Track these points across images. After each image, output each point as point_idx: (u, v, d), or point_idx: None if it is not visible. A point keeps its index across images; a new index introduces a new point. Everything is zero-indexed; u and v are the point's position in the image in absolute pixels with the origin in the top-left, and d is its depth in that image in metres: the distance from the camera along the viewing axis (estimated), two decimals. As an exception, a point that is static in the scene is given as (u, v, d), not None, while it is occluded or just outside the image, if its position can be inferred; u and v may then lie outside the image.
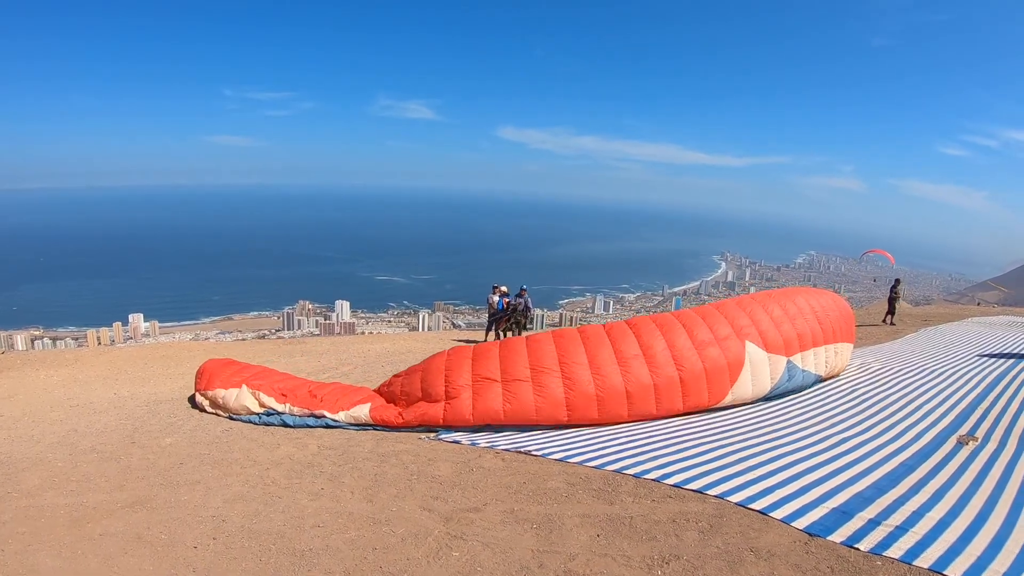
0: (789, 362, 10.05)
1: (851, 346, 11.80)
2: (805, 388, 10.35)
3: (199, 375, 11.06)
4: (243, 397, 10.01)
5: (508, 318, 19.47)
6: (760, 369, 9.74)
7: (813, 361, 10.50)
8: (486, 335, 20.58)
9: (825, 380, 10.95)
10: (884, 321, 22.93)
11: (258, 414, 9.80)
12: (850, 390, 10.15)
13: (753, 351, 9.70)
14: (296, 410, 9.63)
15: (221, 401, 10.19)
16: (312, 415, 9.47)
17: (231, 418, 9.84)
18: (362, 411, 9.27)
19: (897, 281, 23.77)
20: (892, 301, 23.28)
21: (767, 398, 9.79)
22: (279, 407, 9.76)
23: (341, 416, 9.28)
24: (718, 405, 9.32)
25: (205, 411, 10.31)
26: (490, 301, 19.87)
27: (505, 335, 19.73)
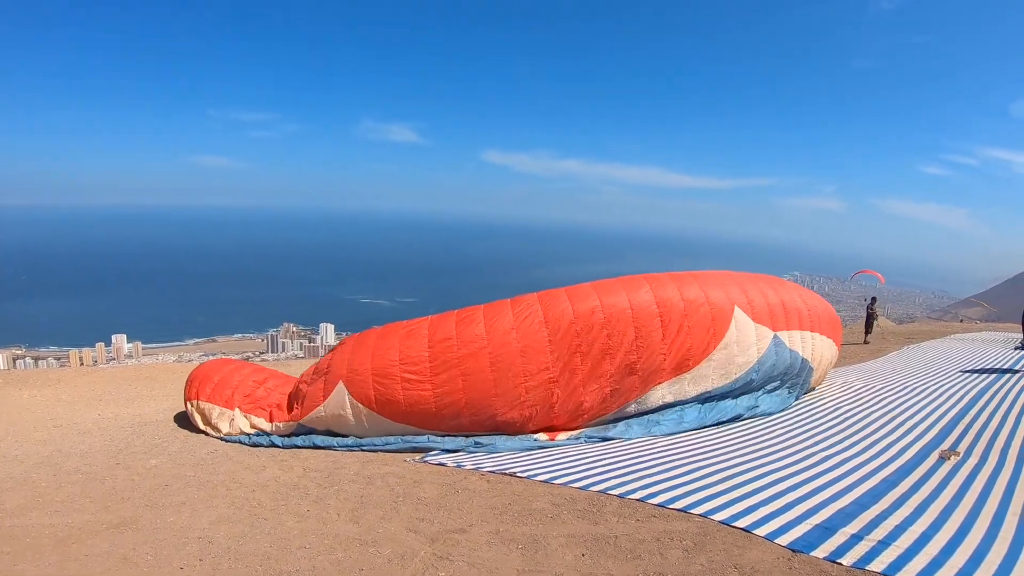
0: (776, 336, 10.16)
1: (835, 347, 11.91)
2: (792, 373, 10.45)
3: (190, 382, 11.00)
4: (239, 421, 10.05)
5: None
6: (746, 334, 9.86)
7: (800, 343, 10.58)
8: None
9: (813, 370, 11.05)
10: (865, 341, 23.11)
11: (248, 435, 9.80)
12: (833, 408, 10.23)
13: (740, 316, 9.84)
14: (282, 427, 9.69)
15: (214, 421, 10.16)
16: (296, 430, 9.58)
17: (221, 438, 9.80)
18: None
19: (873, 299, 24.07)
20: (869, 319, 23.53)
21: (754, 397, 10.00)
22: (267, 427, 9.77)
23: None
24: (704, 360, 9.48)
25: (197, 427, 10.24)
26: None
27: None
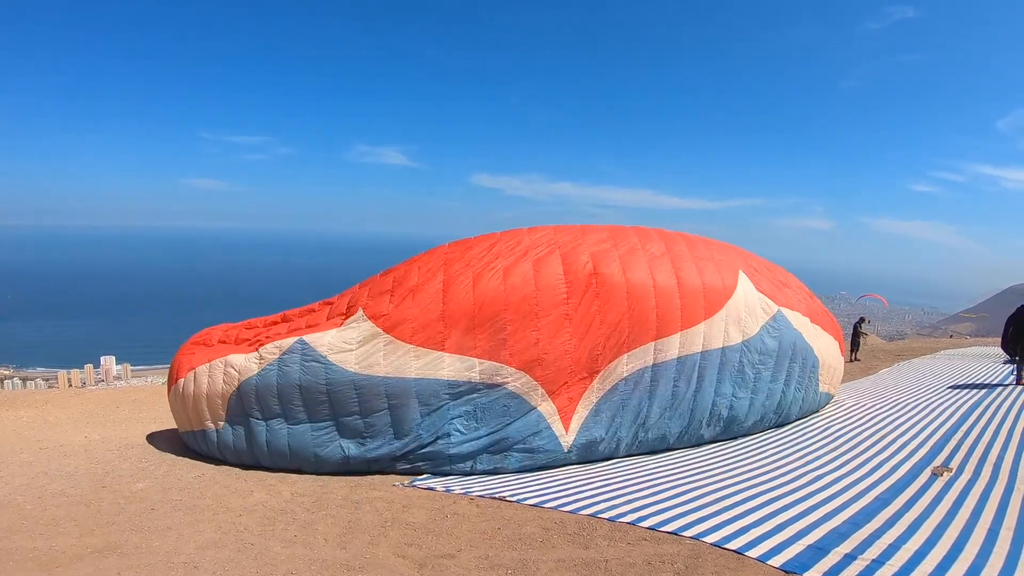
0: (780, 311, 10.08)
1: (838, 350, 11.84)
2: (799, 359, 10.42)
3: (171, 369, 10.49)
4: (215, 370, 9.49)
5: None
6: (752, 301, 9.86)
7: (803, 325, 10.51)
8: None
9: (820, 364, 10.93)
10: (851, 359, 23.34)
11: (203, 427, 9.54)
12: (824, 426, 10.22)
13: (745, 282, 9.92)
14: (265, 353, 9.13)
15: (193, 392, 9.65)
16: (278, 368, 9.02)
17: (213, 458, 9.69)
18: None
19: (861, 319, 24.56)
20: (855, 337, 23.92)
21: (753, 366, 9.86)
22: (246, 364, 9.24)
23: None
24: (714, 316, 9.49)
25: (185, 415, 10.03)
26: None
27: None
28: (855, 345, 23.93)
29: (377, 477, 8.76)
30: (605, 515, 6.32)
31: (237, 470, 9.41)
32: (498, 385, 8.65)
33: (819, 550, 5.09)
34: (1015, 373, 13.86)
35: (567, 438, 8.79)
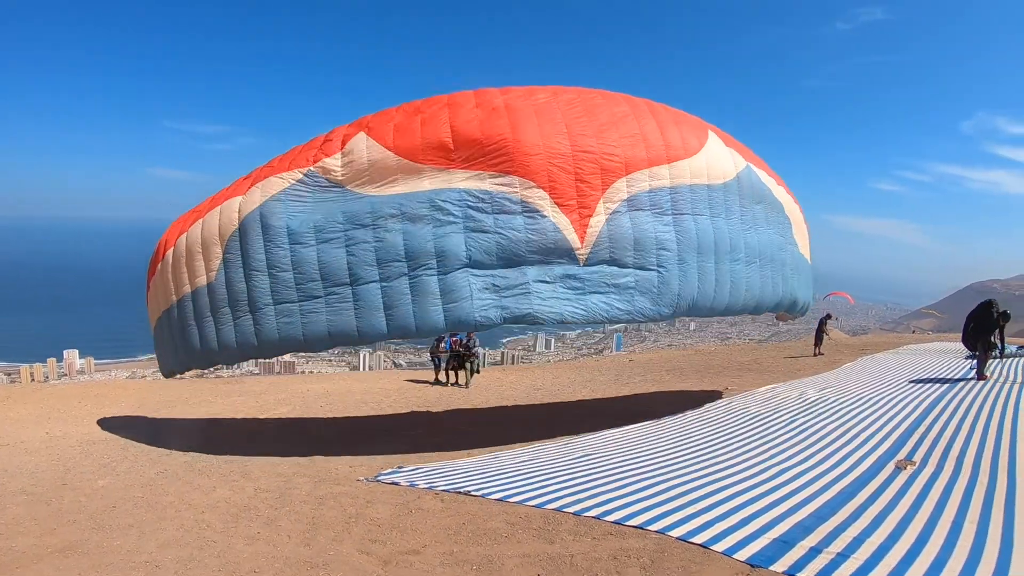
0: (749, 166, 10.91)
1: (800, 215, 12.67)
2: (770, 208, 11.41)
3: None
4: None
5: (457, 357, 19.71)
6: (723, 153, 10.72)
7: (771, 184, 11.41)
8: (436, 374, 20.73)
9: (791, 225, 11.96)
10: (815, 354, 23.93)
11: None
12: (789, 420, 10.29)
13: (715, 138, 10.73)
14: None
15: (185, 249, 9.74)
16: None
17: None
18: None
19: (828, 316, 25.33)
20: (820, 333, 24.69)
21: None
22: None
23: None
24: (694, 156, 10.21)
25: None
26: (435, 344, 20.26)
27: (457, 374, 19.91)
28: (819, 340, 24.61)
29: (341, 472, 8.69)
30: (570, 509, 6.26)
31: (200, 465, 9.30)
32: (511, 196, 9.08)
33: (784, 543, 5.08)
34: (975, 368, 14.14)
35: (582, 250, 9.27)
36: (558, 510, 6.30)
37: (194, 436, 11.82)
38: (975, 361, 14.53)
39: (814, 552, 4.89)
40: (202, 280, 9.54)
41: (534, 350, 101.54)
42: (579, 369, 25.05)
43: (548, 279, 9.18)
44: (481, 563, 5.23)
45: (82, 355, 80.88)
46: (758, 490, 6.61)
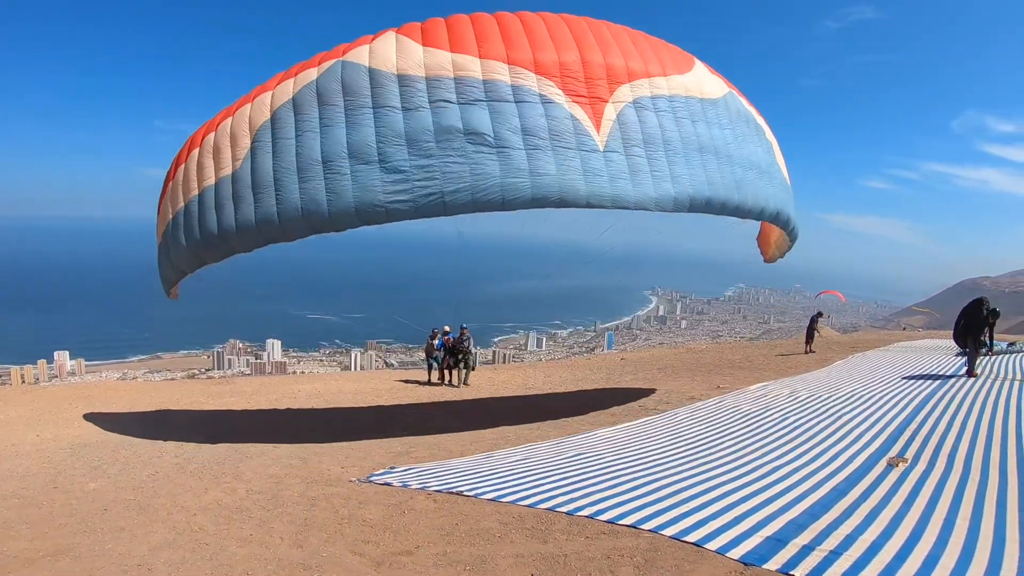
0: (732, 91, 11.88)
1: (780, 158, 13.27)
2: (758, 130, 12.20)
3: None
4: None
5: (451, 356, 19.73)
6: (710, 77, 11.57)
7: (752, 111, 12.31)
8: (429, 374, 20.75)
9: (773, 145, 12.63)
10: (806, 351, 24.06)
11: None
12: (781, 418, 10.32)
13: (700, 65, 11.58)
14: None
15: (214, 142, 9.95)
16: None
17: None
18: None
19: (819, 314, 25.52)
20: (811, 331, 24.85)
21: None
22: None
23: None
24: (687, 72, 11.07)
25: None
26: (429, 343, 20.31)
27: (450, 374, 19.93)
28: (810, 337, 24.74)
29: (333, 473, 8.65)
30: (563, 509, 6.26)
31: (192, 467, 9.25)
32: (530, 88, 9.57)
33: (777, 541, 5.09)
34: (966, 365, 14.22)
35: (600, 138, 9.78)
36: (551, 510, 6.29)
37: (186, 434, 11.79)
38: (965, 358, 14.61)
39: (807, 550, 4.90)
40: (227, 170, 9.73)
41: (525, 349, 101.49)
42: (571, 368, 25.09)
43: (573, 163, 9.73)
44: (474, 563, 5.21)
45: (73, 356, 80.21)
46: (750, 488, 6.62)
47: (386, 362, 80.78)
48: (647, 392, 15.53)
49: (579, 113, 9.68)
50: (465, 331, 19.29)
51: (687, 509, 6.01)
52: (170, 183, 10.73)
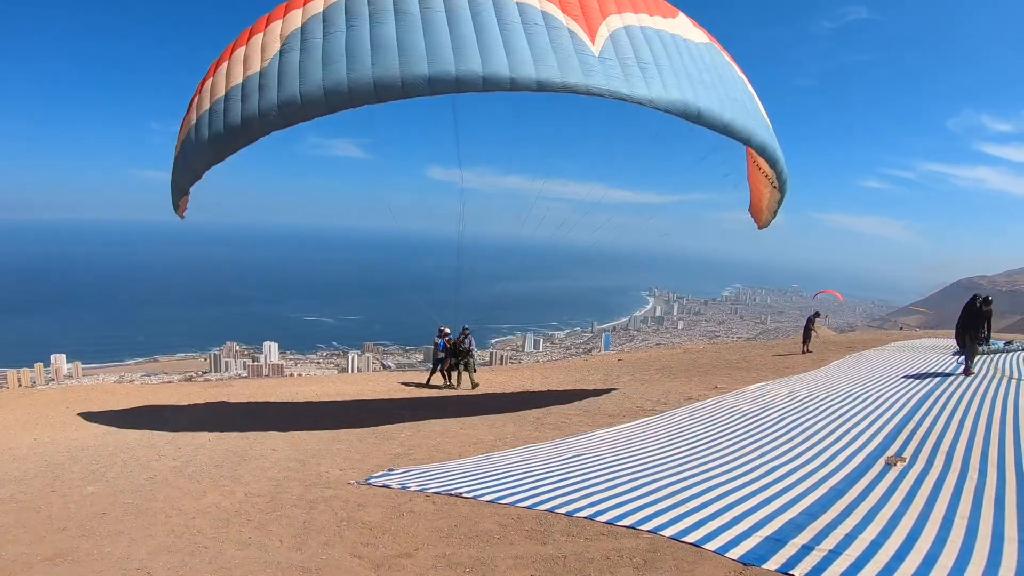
0: (713, 44, 12.59)
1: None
2: (742, 81, 12.72)
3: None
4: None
5: (453, 356, 19.72)
6: (694, 26, 12.28)
7: (735, 64, 13.04)
8: (430, 376, 20.74)
9: (754, 95, 13.13)
10: (803, 352, 24.11)
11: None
12: (778, 418, 10.33)
13: (684, 16, 12.33)
14: None
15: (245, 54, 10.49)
16: None
17: None
18: None
19: (816, 314, 25.59)
20: (808, 331, 24.92)
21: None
22: None
23: None
24: (670, 19, 11.76)
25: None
26: (436, 344, 20.31)
27: (450, 374, 19.91)
28: (807, 337, 24.78)
29: (332, 476, 8.62)
30: (562, 510, 6.26)
31: (190, 470, 9.22)
32: (532, 5, 10.29)
33: (776, 541, 5.10)
34: (963, 364, 14.25)
35: (595, 48, 10.31)
36: (550, 511, 6.29)
37: (184, 438, 11.74)
38: (962, 357, 14.64)
39: (806, 550, 4.90)
40: (255, 69, 10.23)
41: (522, 350, 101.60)
42: (568, 369, 25.06)
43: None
44: (474, 565, 5.21)
45: (69, 359, 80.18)
46: (749, 488, 6.63)
47: (383, 364, 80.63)
48: (645, 393, 15.51)
49: (575, 27, 10.34)
50: (466, 331, 19.27)
51: (686, 510, 6.01)
52: (195, 98, 11.23)
